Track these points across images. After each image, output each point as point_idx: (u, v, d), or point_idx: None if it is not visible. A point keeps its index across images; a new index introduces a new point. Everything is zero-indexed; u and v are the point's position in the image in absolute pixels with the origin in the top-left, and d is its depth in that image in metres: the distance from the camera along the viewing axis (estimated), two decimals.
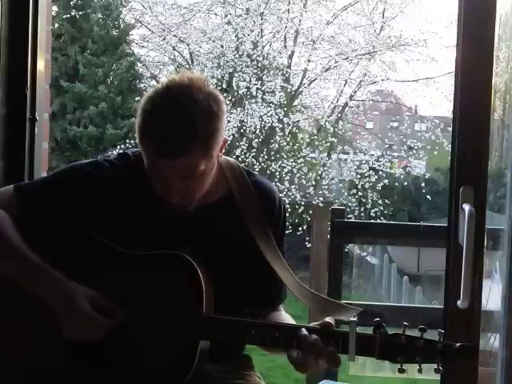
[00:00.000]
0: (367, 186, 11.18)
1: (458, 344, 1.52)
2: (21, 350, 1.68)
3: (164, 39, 11.55)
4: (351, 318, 1.55)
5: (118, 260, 1.68)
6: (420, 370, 1.52)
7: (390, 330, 1.55)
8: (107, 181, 1.71)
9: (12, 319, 1.70)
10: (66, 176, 1.76)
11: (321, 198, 10.55)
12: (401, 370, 1.52)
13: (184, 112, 1.58)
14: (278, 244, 1.75)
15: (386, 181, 11.23)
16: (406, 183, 11.79)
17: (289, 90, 11.39)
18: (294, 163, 11.01)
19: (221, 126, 1.63)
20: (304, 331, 1.55)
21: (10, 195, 1.73)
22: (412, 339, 1.52)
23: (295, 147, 11.26)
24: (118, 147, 10.35)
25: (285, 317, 1.79)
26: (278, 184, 10.48)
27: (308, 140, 11.53)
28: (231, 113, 10.56)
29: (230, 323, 1.60)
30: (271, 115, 10.82)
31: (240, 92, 10.80)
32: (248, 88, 10.75)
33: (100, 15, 11.66)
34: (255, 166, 10.52)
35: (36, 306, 1.64)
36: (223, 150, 1.69)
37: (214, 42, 11.09)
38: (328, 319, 1.58)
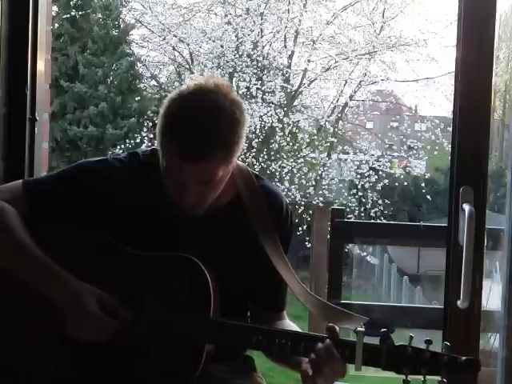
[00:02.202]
0: (367, 186, 11.18)
1: (463, 358, 1.52)
2: (25, 347, 1.68)
3: (164, 39, 11.55)
4: (359, 328, 1.55)
5: (127, 261, 1.67)
6: (424, 382, 1.52)
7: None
8: (117, 180, 1.70)
9: (17, 317, 1.69)
10: (77, 174, 1.74)
11: (321, 198, 10.56)
12: (406, 381, 1.53)
13: (210, 118, 1.58)
14: (285, 248, 1.75)
15: (386, 181, 11.23)
16: (405, 183, 11.79)
17: (289, 90, 11.39)
18: (294, 163, 11.02)
19: (243, 134, 1.64)
20: (319, 343, 1.55)
21: (19, 192, 1.72)
22: (418, 351, 1.52)
23: (295, 147, 11.26)
24: (118, 147, 10.36)
25: (290, 325, 1.79)
26: (278, 184, 10.48)
27: (308, 140, 11.53)
28: None
29: (238, 328, 1.60)
30: (271, 115, 10.82)
31: (240, 92, 10.79)
32: (248, 88, 10.76)
33: (100, 15, 11.65)
34: (255, 166, 10.51)
35: (41, 304, 1.64)
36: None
37: (214, 41, 11.09)
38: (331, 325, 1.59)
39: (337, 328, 1.57)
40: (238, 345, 1.65)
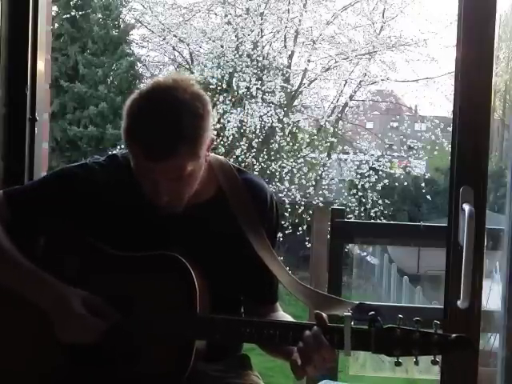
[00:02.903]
0: (367, 186, 11.19)
1: (454, 335, 1.51)
2: (16, 351, 1.68)
3: (164, 39, 11.56)
4: (346, 313, 1.55)
5: (111, 262, 1.67)
6: (416, 362, 1.50)
7: None
8: (97, 183, 1.70)
9: (8, 321, 1.69)
10: (57, 179, 1.75)
11: (321, 198, 10.56)
12: (397, 363, 1.51)
13: (170, 114, 1.57)
14: (272, 241, 1.75)
15: (386, 181, 11.25)
16: (405, 183, 11.80)
17: (289, 90, 11.39)
18: (294, 163, 11.02)
19: (207, 126, 1.62)
20: (307, 331, 1.55)
21: (0, 201, 1.72)
22: (407, 332, 1.51)
23: (295, 147, 11.27)
24: (118, 147, 10.35)
25: (283, 316, 1.79)
26: (278, 184, 10.48)
27: (308, 140, 11.54)
28: (231, 113, 10.57)
29: (225, 322, 1.60)
30: (271, 115, 10.83)
31: (240, 92, 10.80)
32: (248, 88, 10.76)
33: (100, 15, 11.67)
34: (255, 166, 10.52)
35: (32, 309, 1.63)
36: (210, 149, 1.68)
37: (214, 41, 11.10)
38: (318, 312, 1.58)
39: (324, 314, 1.56)
40: (228, 339, 1.64)
